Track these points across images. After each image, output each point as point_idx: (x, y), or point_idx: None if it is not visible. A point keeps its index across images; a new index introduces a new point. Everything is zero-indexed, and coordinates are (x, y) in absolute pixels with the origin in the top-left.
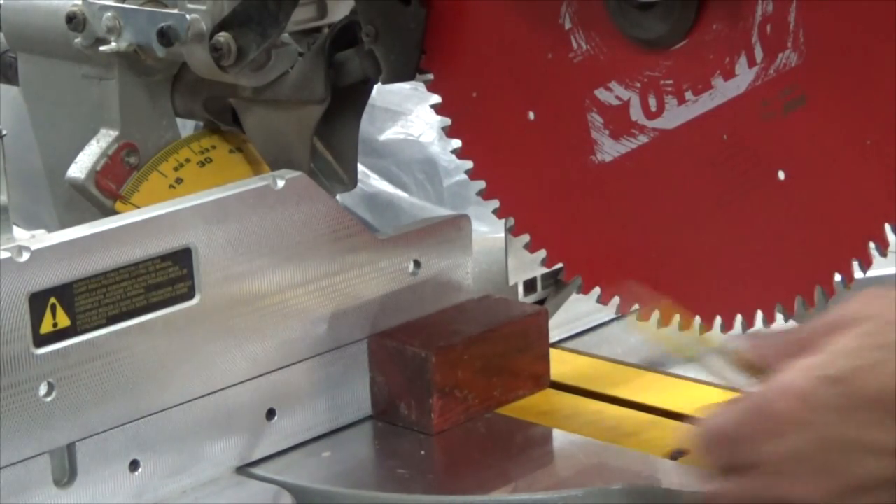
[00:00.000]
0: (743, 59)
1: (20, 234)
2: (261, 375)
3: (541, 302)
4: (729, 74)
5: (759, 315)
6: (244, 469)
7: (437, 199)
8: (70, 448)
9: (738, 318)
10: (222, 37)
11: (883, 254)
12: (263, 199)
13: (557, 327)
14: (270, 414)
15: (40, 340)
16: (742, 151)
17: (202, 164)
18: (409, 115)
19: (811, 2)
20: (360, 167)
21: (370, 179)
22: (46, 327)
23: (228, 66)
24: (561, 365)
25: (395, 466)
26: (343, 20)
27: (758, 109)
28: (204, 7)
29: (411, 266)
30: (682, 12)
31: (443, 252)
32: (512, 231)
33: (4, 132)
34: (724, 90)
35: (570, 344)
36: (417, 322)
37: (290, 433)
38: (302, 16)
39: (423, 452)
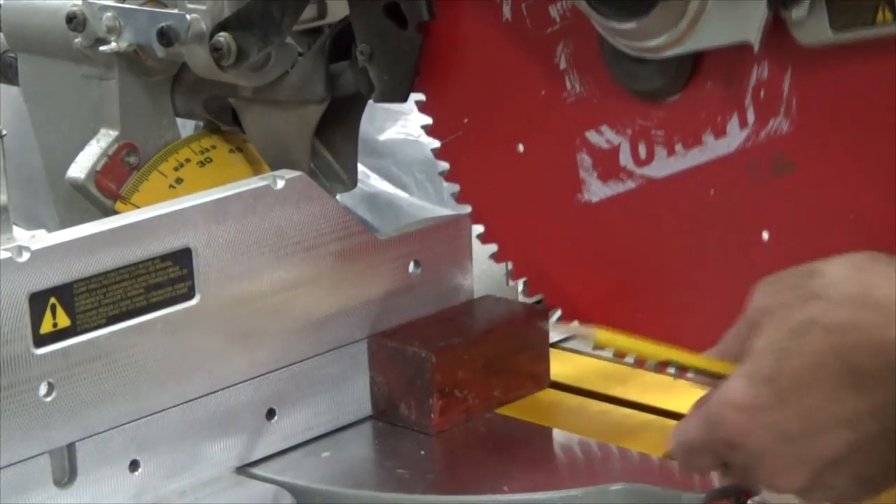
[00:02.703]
0: (734, 120)
1: (20, 234)
2: (261, 375)
3: (541, 302)
4: (720, 133)
5: None
6: (244, 469)
7: (437, 199)
8: (70, 448)
9: None
10: (222, 37)
11: None
12: (263, 199)
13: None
14: (270, 414)
15: (40, 340)
16: (727, 209)
17: (202, 164)
18: (409, 115)
19: (806, 73)
20: (360, 167)
21: (370, 179)
22: (46, 327)
23: (228, 66)
24: (561, 365)
25: (395, 466)
26: (343, 20)
27: (746, 170)
28: (204, 7)
29: (411, 266)
30: (678, 68)
31: (443, 252)
32: (495, 258)
33: (4, 132)
34: (714, 147)
35: (570, 344)
36: (417, 322)
37: (290, 433)
38: (302, 16)
39: (423, 452)
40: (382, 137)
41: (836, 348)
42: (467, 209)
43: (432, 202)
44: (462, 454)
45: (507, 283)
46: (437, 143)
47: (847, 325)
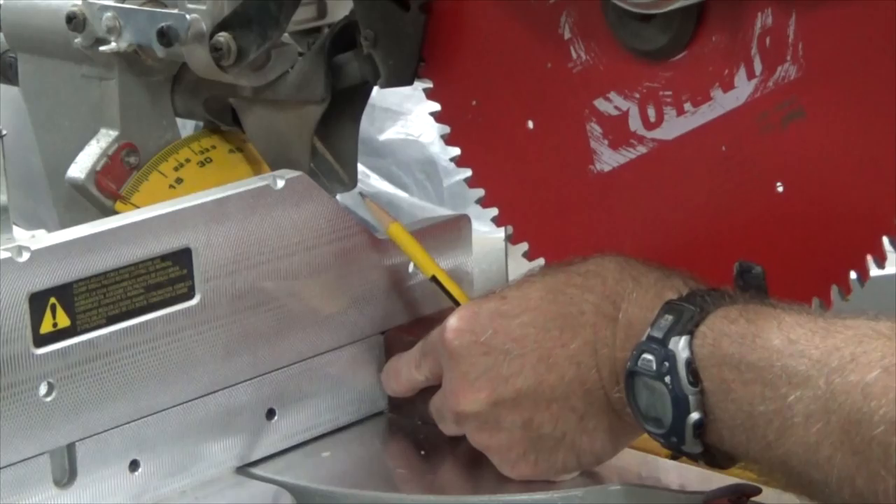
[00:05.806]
0: (742, 72)
1: (20, 234)
2: (261, 375)
3: None
4: (728, 86)
5: None
6: (244, 469)
7: (437, 199)
8: (70, 448)
9: None
10: (222, 37)
11: (881, 266)
12: (263, 199)
13: None
14: (270, 414)
15: (40, 340)
16: (740, 163)
17: (202, 164)
18: (409, 115)
19: (810, 16)
20: (360, 167)
21: (370, 179)
22: (46, 327)
23: (228, 66)
24: None
25: (395, 466)
26: (343, 20)
27: (756, 121)
28: (204, 7)
29: (411, 266)
30: (682, 24)
31: (443, 252)
32: (510, 239)
33: (4, 132)
34: (723, 102)
35: None
36: (431, 317)
37: (290, 433)
38: (302, 16)
39: (423, 452)
40: (382, 137)
41: (573, 289)
42: (466, 210)
43: (432, 202)
44: (462, 454)
45: (508, 283)
46: (446, 130)
47: (590, 272)
